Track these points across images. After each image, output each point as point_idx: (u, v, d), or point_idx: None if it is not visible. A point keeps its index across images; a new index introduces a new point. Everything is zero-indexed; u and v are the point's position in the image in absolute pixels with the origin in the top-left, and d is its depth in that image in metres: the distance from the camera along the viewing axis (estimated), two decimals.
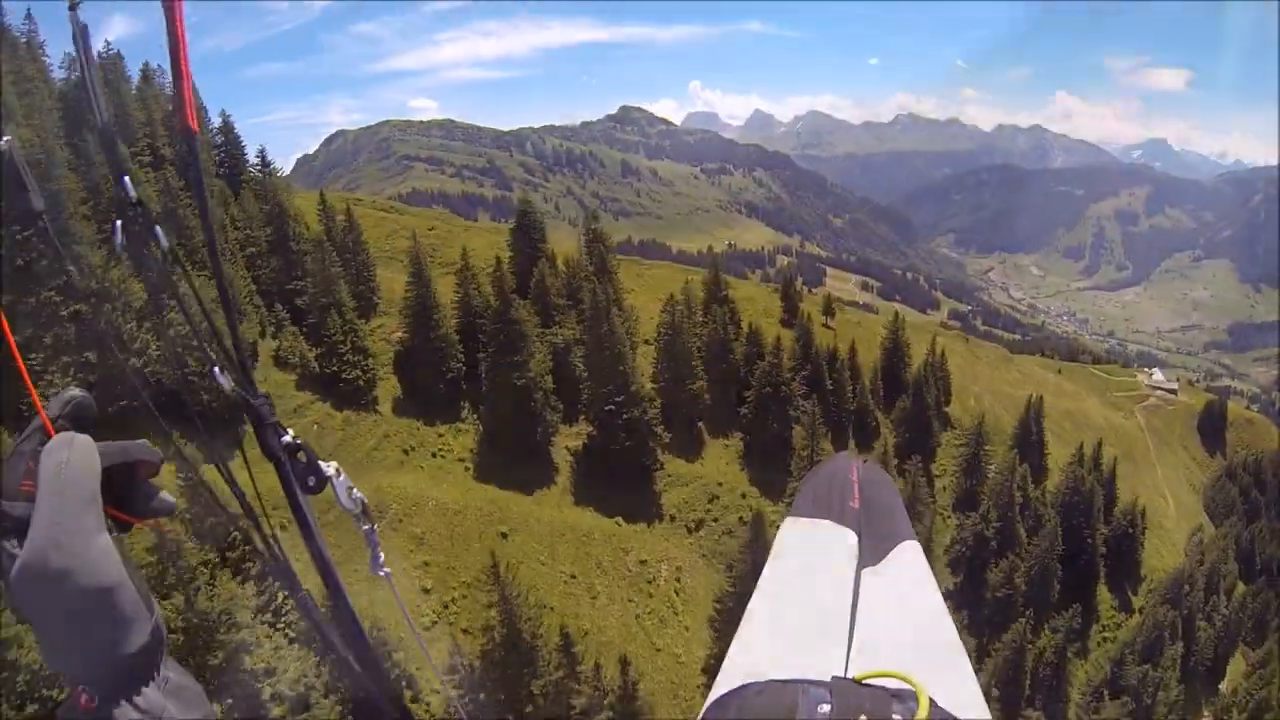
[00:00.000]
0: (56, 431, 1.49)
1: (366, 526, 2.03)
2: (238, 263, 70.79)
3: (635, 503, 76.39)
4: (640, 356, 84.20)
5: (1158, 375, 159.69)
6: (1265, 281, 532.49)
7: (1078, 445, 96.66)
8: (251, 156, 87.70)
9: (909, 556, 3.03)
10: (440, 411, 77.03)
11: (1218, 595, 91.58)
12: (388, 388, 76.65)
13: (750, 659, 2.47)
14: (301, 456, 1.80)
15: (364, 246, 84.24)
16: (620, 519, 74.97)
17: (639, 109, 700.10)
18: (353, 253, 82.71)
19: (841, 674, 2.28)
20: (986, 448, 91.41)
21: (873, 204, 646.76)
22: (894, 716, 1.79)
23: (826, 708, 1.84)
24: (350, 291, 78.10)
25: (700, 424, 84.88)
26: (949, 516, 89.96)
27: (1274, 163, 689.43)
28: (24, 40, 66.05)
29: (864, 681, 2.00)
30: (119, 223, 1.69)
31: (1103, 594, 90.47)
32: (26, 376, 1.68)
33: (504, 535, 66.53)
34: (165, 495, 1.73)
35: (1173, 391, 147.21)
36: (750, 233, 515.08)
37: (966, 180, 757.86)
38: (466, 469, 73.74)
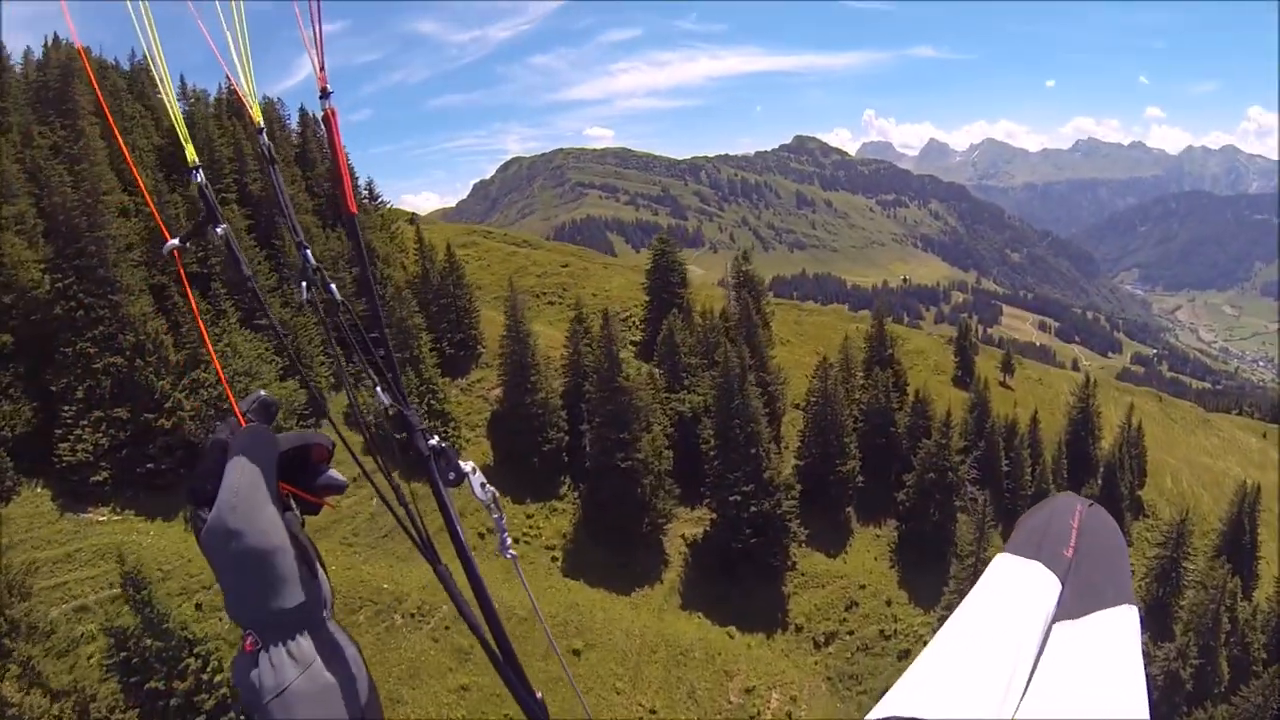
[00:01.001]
0: (245, 424, 1.93)
1: (496, 515, 2.29)
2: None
3: (755, 608, 65.72)
4: (787, 424, 79.26)
5: None
6: None
7: None
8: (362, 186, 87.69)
9: (1118, 622, 2.78)
10: (534, 488, 68.78)
11: None
12: (477, 453, 68.68)
13: (915, 691, 2.50)
14: (444, 458, 2.14)
15: (466, 289, 78.05)
16: (733, 629, 64.11)
17: (813, 139, 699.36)
18: (452, 296, 76.30)
19: None
20: (1188, 551, 75.88)
21: (1052, 237, 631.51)
22: None
23: None
24: (450, 340, 74.85)
25: (849, 509, 75.07)
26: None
27: None
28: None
29: None
30: (304, 284, 2.20)
31: None
32: (225, 383, 2.52)
33: (576, 653, 56.43)
34: (335, 474, 2.11)
35: None
36: (925, 267, 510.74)
37: (1152, 210, 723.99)
38: (554, 559, 65.15)
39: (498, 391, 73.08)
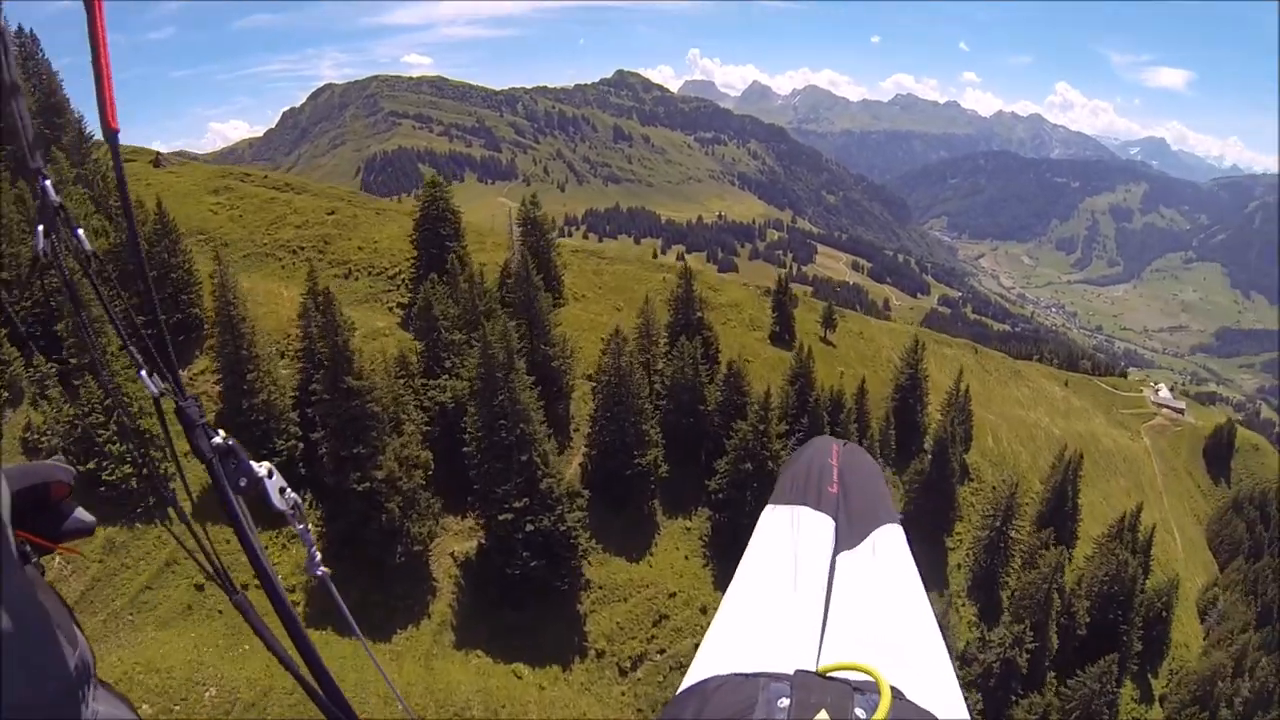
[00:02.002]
0: None
1: (301, 526, 2.01)
2: None
3: (546, 637, 54.32)
4: (577, 401, 68.48)
5: (1164, 393, 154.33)
6: (1255, 288, 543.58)
7: (1112, 512, 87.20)
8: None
9: (888, 539, 2.97)
10: (262, 512, 53.36)
11: (1242, 678, 78.52)
12: (198, 477, 51.74)
13: (719, 652, 2.48)
14: (233, 459, 1.78)
15: (182, 254, 58.62)
16: (520, 666, 52.44)
17: (635, 74, 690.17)
18: (166, 264, 56.71)
19: (812, 666, 2.33)
20: (1015, 521, 76.17)
21: (868, 182, 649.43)
22: (856, 711, 1.74)
23: (786, 702, 1.77)
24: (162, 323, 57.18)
25: (653, 502, 64.21)
26: (963, 605, 74.19)
27: (1272, 169, 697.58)
28: None
29: (828, 674, 1.95)
30: (41, 227, 1.60)
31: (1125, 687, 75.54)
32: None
33: None
34: (81, 514, 1.71)
35: (1180, 411, 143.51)
36: (742, 204, 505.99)
37: (963, 164, 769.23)
38: (294, 603, 49.85)
39: (220, 388, 55.19)
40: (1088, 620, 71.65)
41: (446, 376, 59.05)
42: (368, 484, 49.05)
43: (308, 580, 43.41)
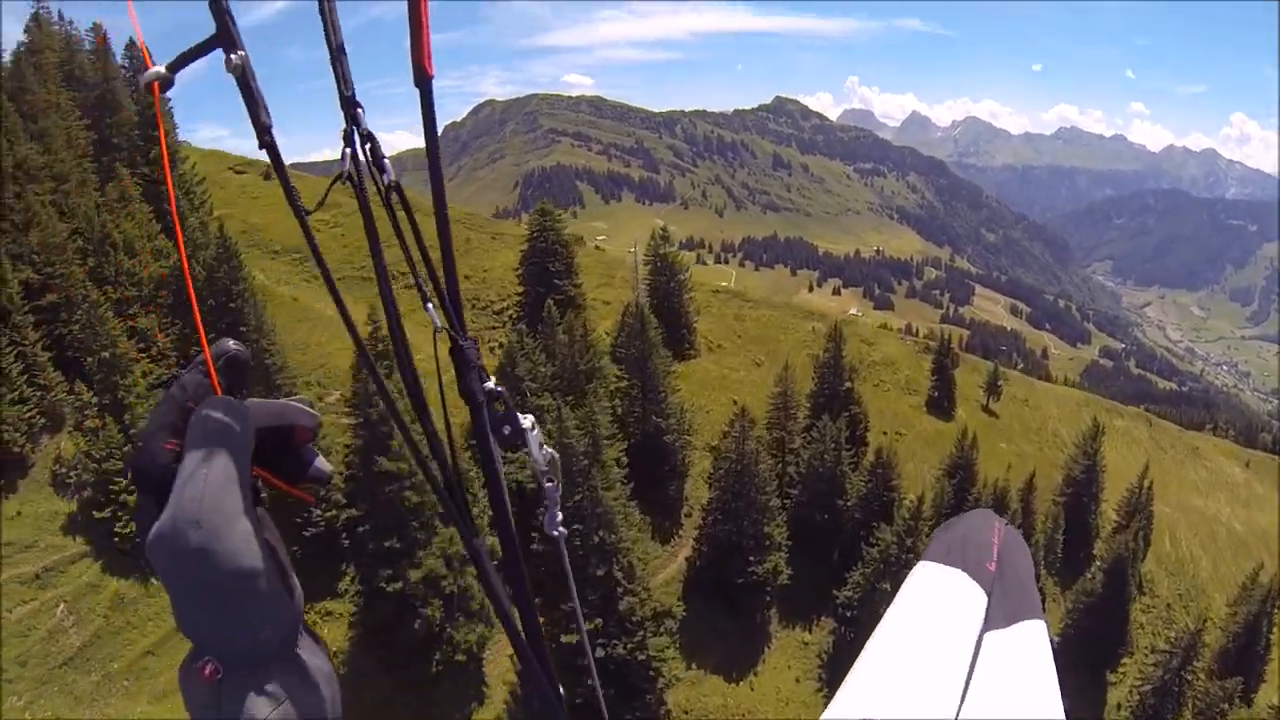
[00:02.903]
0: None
1: (551, 485, 2.01)
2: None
3: None
4: (696, 478, 62.76)
5: None
6: None
7: None
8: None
9: (1035, 634, 2.83)
10: (302, 579, 48.05)
11: None
12: None
13: (864, 696, 2.45)
14: (500, 405, 1.80)
15: (244, 282, 53.97)
16: None
17: (793, 100, 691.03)
18: (227, 293, 52.76)
19: None
20: (1194, 665, 65.54)
21: (1029, 220, 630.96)
22: None
23: None
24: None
25: (769, 610, 58.57)
26: None
27: None
28: None
29: None
30: (348, 150, 1.65)
31: None
32: (196, 312, 1.62)
33: None
34: (321, 462, 1.73)
35: None
36: (899, 239, 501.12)
37: (1130, 204, 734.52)
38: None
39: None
40: None
41: (526, 451, 52.30)
42: (399, 583, 42.64)
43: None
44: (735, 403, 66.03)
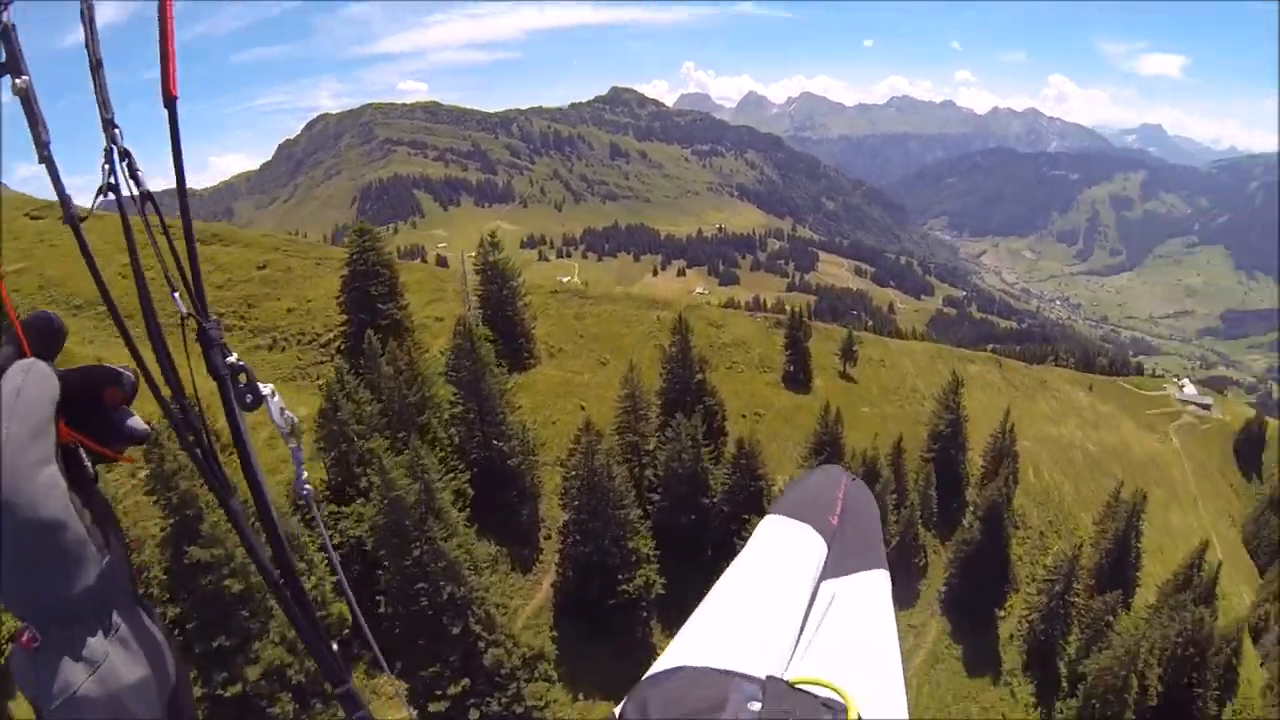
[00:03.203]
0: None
1: (294, 446, 2.06)
2: None
3: None
4: (550, 495, 58.18)
5: (1189, 389, 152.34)
6: (1260, 269, 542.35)
7: (1156, 534, 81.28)
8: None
9: (874, 584, 3.02)
10: None
11: None
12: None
13: (695, 643, 2.48)
14: (243, 377, 1.84)
15: None
16: None
17: (629, 90, 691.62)
18: None
19: (782, 676, 2.31)
20: (1075, 586, 66.77)
21: (866, 186, 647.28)
22: None
23: (757, 706, 1.82)
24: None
25: (648, 624, 54.71)
26: (1019, 684, 65.80)
27: (1271, 150, 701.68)
28: None
29: (797, 685, 2.00)
30: (106, 165, 1.65)
31: None
32: (3, 287, 1.59)
33: None
34: (136, 421, 1.71)
35: (1206, 407, 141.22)
36: (741, 216, 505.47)
37: (960, 163, 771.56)
38: None
39: None
40: (1159, 690, 60.90)
41: (361, 500, 45.70)
42: (238, 686, 35.66)
43: None
44: (583, 408, 63.57)
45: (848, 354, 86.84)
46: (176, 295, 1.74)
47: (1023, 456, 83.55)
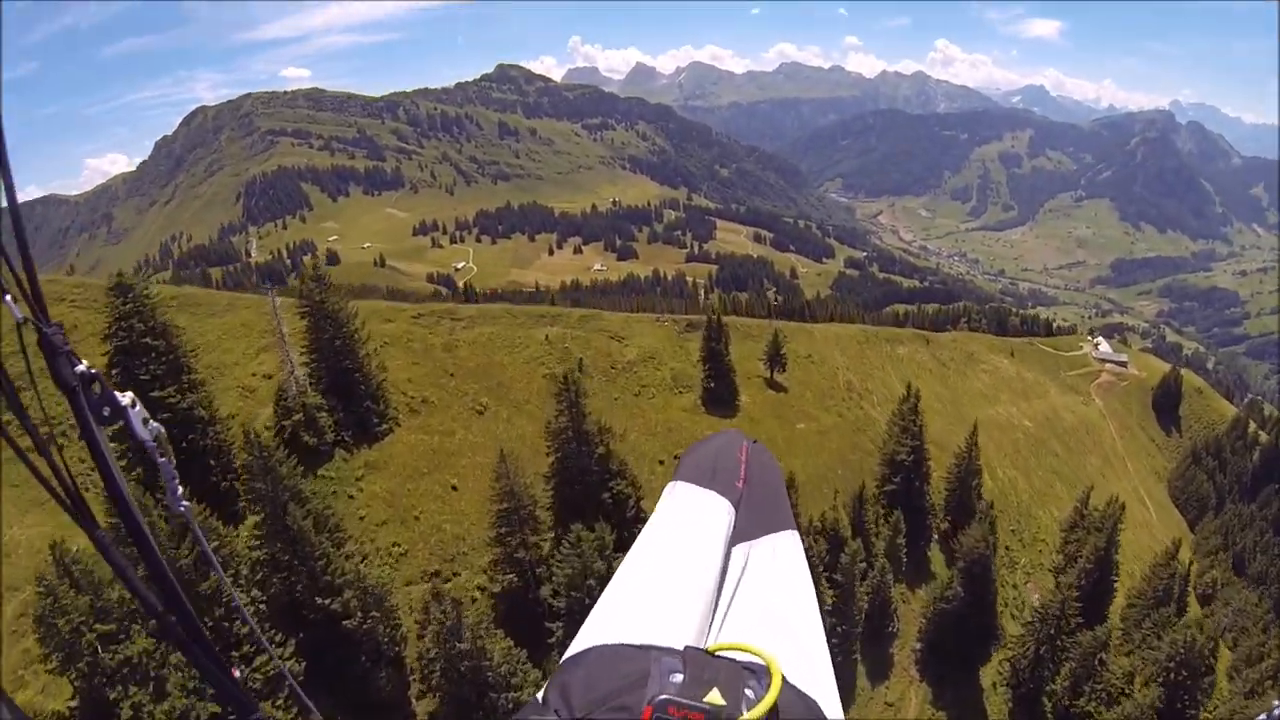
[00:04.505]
0: None
1: (163, 459, 1.92)
2: None
3: None
4: (414, 643, 44.66)
5: (1104, 347, 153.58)
6: (1144, 219, 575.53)
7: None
8: None
9: (786, 544, 3.04)
10: None
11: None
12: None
13: (609, 621, 2.47)
14: (96, 387, 1.68)
15: None
16: None
17: (517, 66, 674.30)
18: None
19: (701, 645, 2.42)
20: (1066, 625, 60.03)
21: (760, 152, 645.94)
22: (746, 690, 1.78)
23: (679, 677, 1.82)
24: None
25: None
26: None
27: (1146, 107, 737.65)
28: None
29: (719, 653, 2.01)
30: None
31: None
32: None
33: None
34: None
35: (1123, 364, 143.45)
36: (636, 188, 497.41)
37: (852, 126, 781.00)
38: None
39: None
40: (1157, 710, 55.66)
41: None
42: None
43: None
44: (455, 488, 52.95)
45: (775, 359, 76.06)
46: (9, 298, 1.58)
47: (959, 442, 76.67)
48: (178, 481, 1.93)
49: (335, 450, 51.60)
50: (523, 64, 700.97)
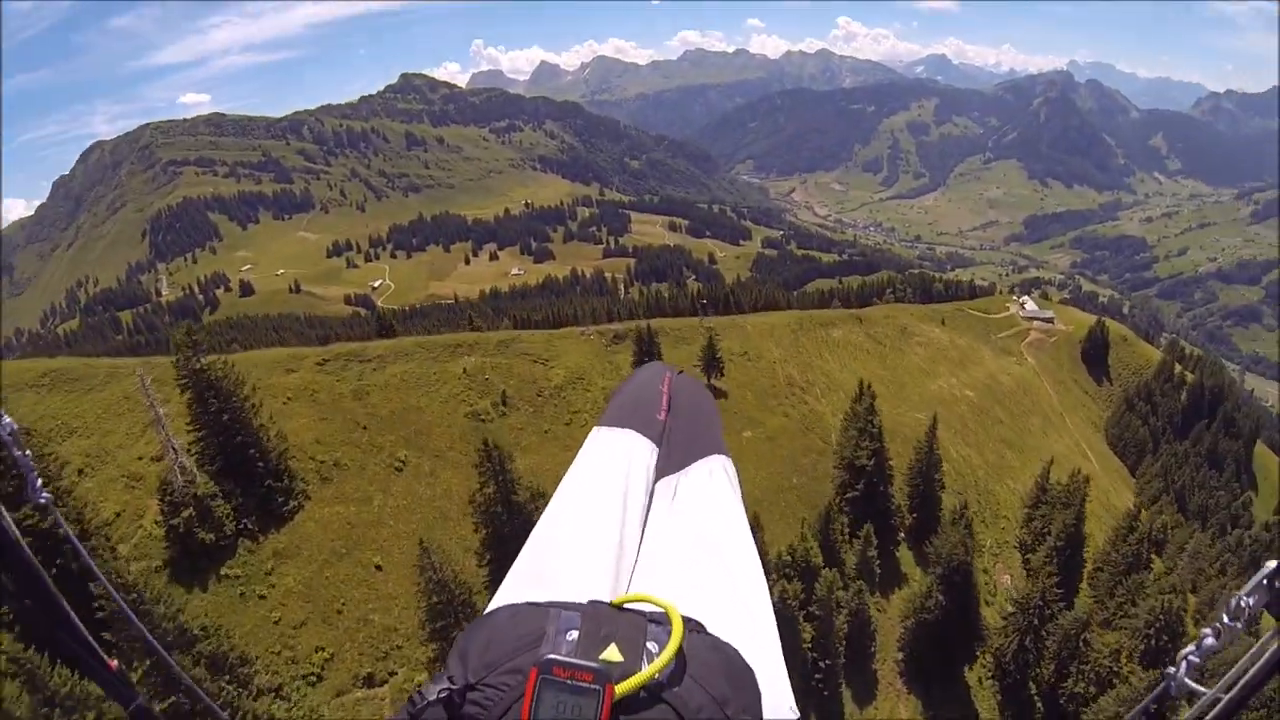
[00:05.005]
0: None
1: (19, 453, 1.86)
2: None
3: None
4: None
5: (1030, 305, 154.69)
6: (1051, 175, 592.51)
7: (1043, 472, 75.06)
8: None
9: (714, 469, 2.99)
10: None
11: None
12: None
13: (524, 579, 2.46)
14: None
15: None
16: None
17: (420, 75, 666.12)
18: None
19: (624, 593, 2.40)
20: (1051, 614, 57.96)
21: (669, 140, 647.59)
22: (649, 644, 1.76)
23: (575, 634, 1.79)
24: None
25: None
26: None
27: (1045, 69, 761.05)
28: None
29: (623, 605, 1.97)
30: None
31: None
32: None
33: None
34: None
35: (1050, 320, 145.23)
36: (547, 188, 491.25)
37: (760, 107, 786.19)
38: None
39: None
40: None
41: None
42: None
43: None
44: (378, 568, 47.34)
45: (711, 363, 71.13)
46: None
47: (907, 432, 75.24)
48: (36, 474, 1.86)
49: (239, 542, 45.14)
50: (426, 72, 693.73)
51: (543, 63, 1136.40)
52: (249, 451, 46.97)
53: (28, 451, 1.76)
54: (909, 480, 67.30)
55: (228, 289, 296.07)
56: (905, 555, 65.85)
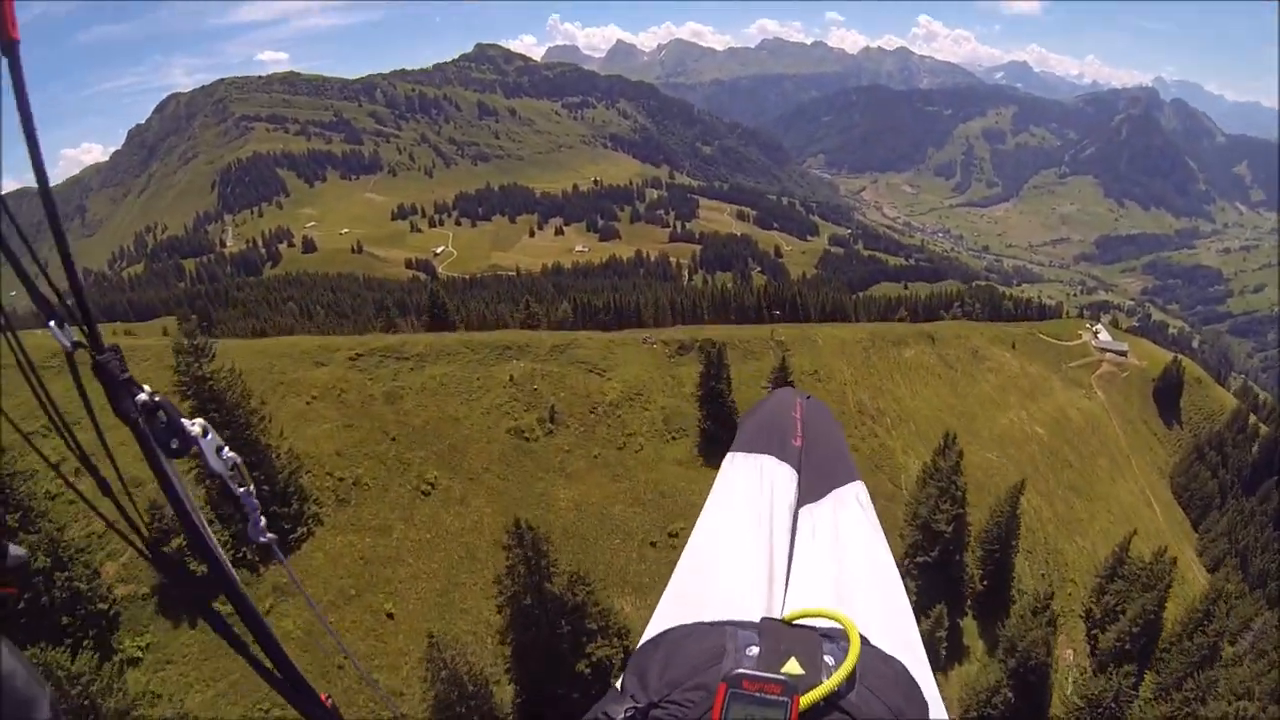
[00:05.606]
0: None
1: (242, 489, 1.87)
2: None
3: None
4: None
5: (1104, 335, 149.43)
6: (1128, 196, 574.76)
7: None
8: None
9: (851, 497, 3.01)
10: None
11: None
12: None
13: (683, 601, 2.48)
14: (161, 416, 1.59)
15: None
16: None
17: (495, 46, 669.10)
18: None
19: (778, 614, 2.41)
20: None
21: (742, 128, 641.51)
22: (825, 657, 1.79)
23: (756, 650, 1.81)
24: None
25: None
26: None
27: (1129, 84, 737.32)
28: None
29: (794, 622, 2.02)
30: None
31: None
32: None
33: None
34: (15, 550, 1.60)
35: (1123, 353, 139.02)
36: (617, 166, 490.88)
37: (835, 101, 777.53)
38: None
39: None
40: None
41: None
42: None
43: None
44: (390, 616, 43.41)
45: (783, 385, 65.06)
46: (53, 325, 1.42)
47: (985, 477, 72.46)
48: (259, 513, 1.88)
49: (236, 573, 42.30)
50: (502, 43, 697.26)
51: (619, 42, 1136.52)
52: (253, 474, 41.06)
53: (250, 488, 1.78)
54: (983, 543, 61.61)
55: (291, 244, 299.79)
56: (969, 625, 60.29)
